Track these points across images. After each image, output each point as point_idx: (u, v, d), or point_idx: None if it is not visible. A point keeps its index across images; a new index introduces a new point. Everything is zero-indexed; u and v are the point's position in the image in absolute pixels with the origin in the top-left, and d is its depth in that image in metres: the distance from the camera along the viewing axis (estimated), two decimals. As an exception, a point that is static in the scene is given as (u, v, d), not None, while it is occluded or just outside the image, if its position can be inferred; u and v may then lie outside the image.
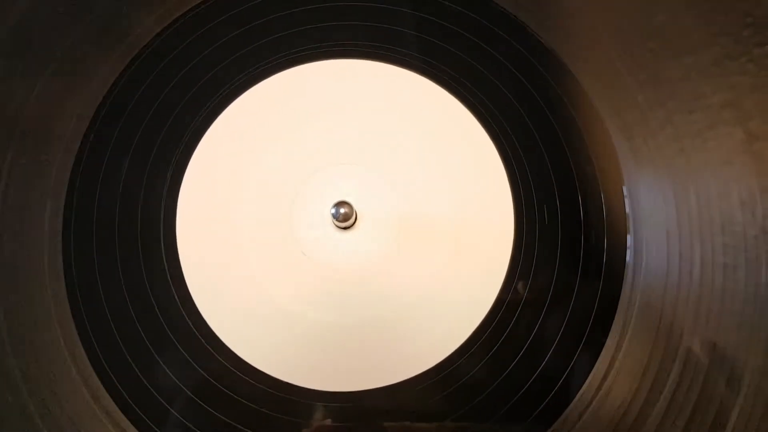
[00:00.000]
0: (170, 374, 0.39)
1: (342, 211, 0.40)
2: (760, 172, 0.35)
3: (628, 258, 0.40)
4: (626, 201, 0.41)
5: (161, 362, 0.39)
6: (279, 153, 0.42)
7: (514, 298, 0.41)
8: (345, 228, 0.41)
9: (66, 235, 0.40)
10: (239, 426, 0.39)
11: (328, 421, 0.39)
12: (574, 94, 0.41)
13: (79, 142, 0.41)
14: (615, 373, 0.39)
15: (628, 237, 0.40)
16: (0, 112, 0.38)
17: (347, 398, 0.39)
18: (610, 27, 0.40)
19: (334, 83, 0.42)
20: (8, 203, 0.38)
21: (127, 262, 0.40)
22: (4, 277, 0.37)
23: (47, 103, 0.39)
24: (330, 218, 0.40)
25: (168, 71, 0.41)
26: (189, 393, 0.39)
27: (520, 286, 0.41)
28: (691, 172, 0.37)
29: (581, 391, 0.40)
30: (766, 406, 0.34)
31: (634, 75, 0.39)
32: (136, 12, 0.41)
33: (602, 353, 0.40)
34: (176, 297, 0.40)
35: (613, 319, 0.40)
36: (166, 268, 0.40)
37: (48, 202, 0.39)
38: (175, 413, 0.39)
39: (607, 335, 0.40)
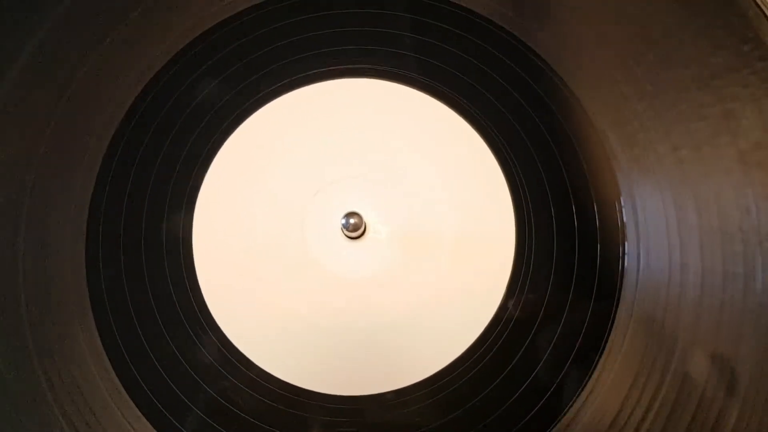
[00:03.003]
0: (191, 381, 0.40)
1: (352, 221, 0.40)
2: (761, 181, 0.36)
3: (626, 268, 0.40)
4: (626, 211, 0.41)
5: (182, 369, 0.40)
6: (291, 169, 0.43)
7: (516, 309, 0.41)
8: (354, 238, 0.42)
9: (87, 255, 0.41)
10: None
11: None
12: (574, 106, 0.42)
13: (99, 163, 0.42)
14: (610, 384, 0.40)
15: (627, 247, 0.41)
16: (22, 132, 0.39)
17: (351, 401, 0.40)
18: (609, 39, 0.40)
19: (343, 102, 0.43)
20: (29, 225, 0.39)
21: (144, 277, 0.41)
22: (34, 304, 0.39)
23: (69, 121, 0.41)
24: (340, 228, 0.41)
25: (180, 96, 0.43)
26: (209, 400, 0.40)
27: (513, 301, 0.41)
28: (692, 181, 0.38)
29: (576, 402, 0.40)
30: (764, 415, 0.35)
31: (634, 86, 0.39)
32: (148, 38, 0.43)
33: (598, 364, 0.40)
34: (195, 307, 0.41)
35: (610, 331, 0.40)
36: (186, 281, 0.41)
37: (68, 228, 0.41)
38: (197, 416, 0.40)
39: (604, 347, 0.40)
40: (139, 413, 0.40)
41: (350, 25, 0.43)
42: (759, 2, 0.34)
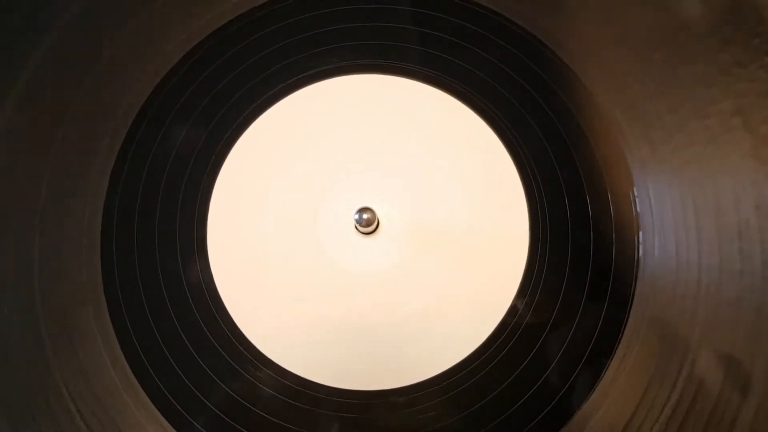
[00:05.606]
0: (206, 377, 0.41)
1: (365, 216, 0.41)
2: (775, 177, 0.35)
3: (640, 266, 0.40)
4: (641, 209, 0.41)
5: (197, 365, 0.41)
6: (304, 164, 0.43)
7: (529, 307, 0.41)
8: (368, 233, 0.42)
9: (103, 255, 0.42)
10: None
11: None
12: (586, 103, 0.42)
13: (113, 161, 0.43)
14: (623, 385, 0.39)
15: (640, 246, 0.40)
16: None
17: (361, 396, 0.41)
18: (621, 36, 0.41)
19: (355, 98, 0.44)
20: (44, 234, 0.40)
21: (159, 277, 0.42)
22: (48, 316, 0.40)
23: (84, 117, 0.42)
24: (353, 224, 0.42)
25: (192, 95, 0.44)
26: (223, 395, 0.41)
27: (526, 299, 0.41)
28: (705, 178, 0.38)
29: (588, 403, 0.40)
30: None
31: (647, 83, 0.40)
32: (159, 37, 0.44)
33: (610, 364, 0.40)
34: (211, 305, 0.42)
35: (623, 331, 0.40)
36: (201, 279, 0.42)
37: (84, 239, 0.42)
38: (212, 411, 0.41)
39: (617, 347, 0.40)
40: (155, 408, 0.41)
41: (362, 21, 0.45)
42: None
